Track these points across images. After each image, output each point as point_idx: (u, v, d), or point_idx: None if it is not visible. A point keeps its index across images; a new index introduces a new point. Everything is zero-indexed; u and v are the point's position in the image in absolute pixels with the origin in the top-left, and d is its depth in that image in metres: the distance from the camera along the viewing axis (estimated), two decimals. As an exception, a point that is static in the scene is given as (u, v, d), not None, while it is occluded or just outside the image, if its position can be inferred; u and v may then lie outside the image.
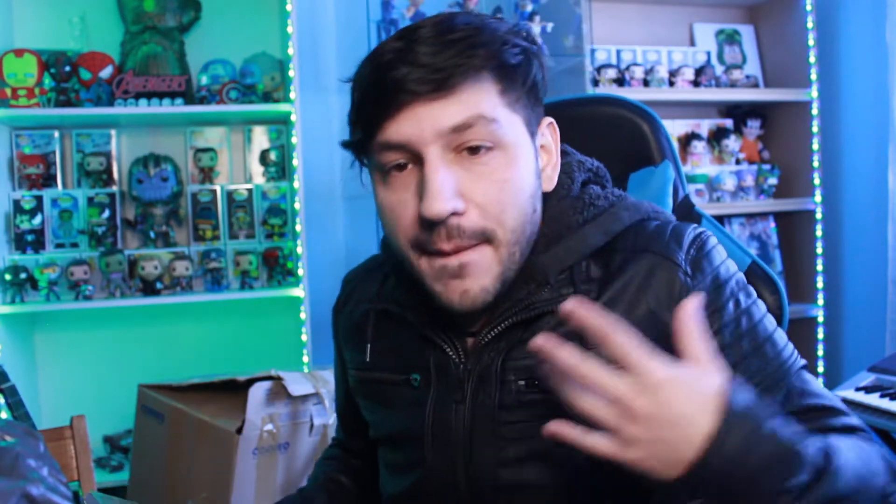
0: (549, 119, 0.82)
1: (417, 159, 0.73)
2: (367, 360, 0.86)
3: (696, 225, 0.80)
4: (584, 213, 0.80)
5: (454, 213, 0.71)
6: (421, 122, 0.71)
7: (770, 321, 0.79)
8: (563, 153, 0.85)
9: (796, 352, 0.79)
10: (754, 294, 0.80)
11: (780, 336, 0.78)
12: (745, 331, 0.76)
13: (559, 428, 0.63)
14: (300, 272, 2.28)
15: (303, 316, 2.29)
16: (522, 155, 0.75)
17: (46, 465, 1.02)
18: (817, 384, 0.78)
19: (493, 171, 0.73)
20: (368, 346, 0.86)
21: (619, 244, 0.79)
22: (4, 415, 1.89)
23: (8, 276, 2.16)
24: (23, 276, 2.17)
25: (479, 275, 0.73)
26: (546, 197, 0.81)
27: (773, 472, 0.60)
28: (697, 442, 0.59)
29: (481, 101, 0.72)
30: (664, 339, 0.74)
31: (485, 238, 0.72)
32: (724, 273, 0.78)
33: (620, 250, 0.79)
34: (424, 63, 0.69)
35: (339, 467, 1.02)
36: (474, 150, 0.72)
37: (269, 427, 2.11)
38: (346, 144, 0.80)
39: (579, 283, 0.77)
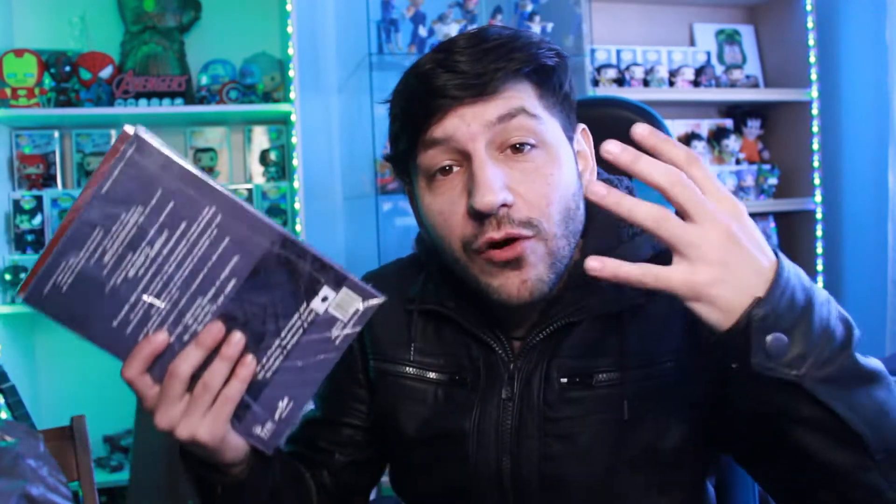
0: (583, 125, 0.84)
1: (464, 158, 0.75)
2: (411, 358, 0.86)
3: None
4: (633, 226, 0.81)
5: (504, 205, 0.73)
6: (465, 118, 0.74)
7: None
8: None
9: None
10: None
11: None
12: None
13: (601, 262, 0.59)
14: (300, 272, 2.27)
15: (303, 316, 2.28)
16: (563, 155, 0.77)
17: (46, 465, 1.02)
18: None
19: (537, 168, 0.75)
20: (412, 345, 0.86)
21: (660, 260, 0.80)
22: (4, 415, 1.89)
23: (8, 276, 2.16)
24: (23, 276, 2.17)
25: (534, 264, 0.75)
26: (592, 208, 0.82)
27: (825, 312, 0.60)
28: (764, 273, 0.59)
29: (522, 99, 0.75)
30: (699, 338, 0.76)
31: (533, 231, 0.74)
32: None
33: (662, 263, 0.80)
34: (464, 70, 0.73)
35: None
36: (518, 149, 0.75)
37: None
38: (389, 158, 0.83)
39: (627, 290, 0.78)
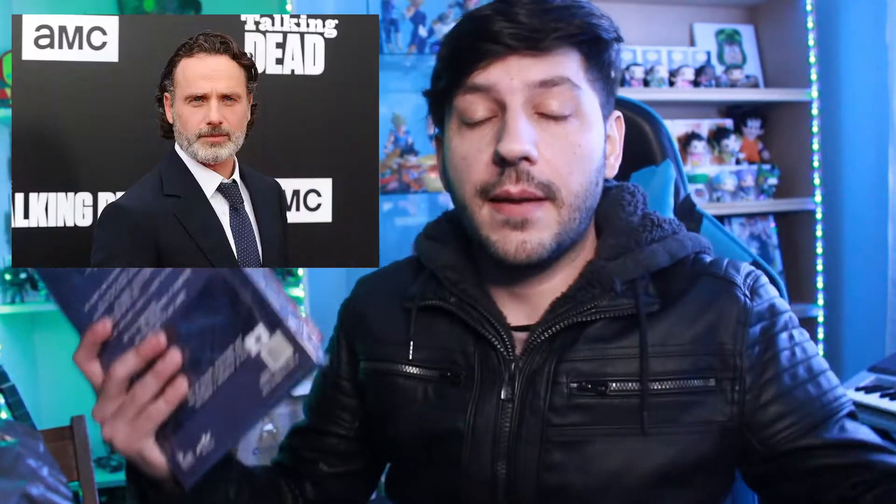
0: (618, 113, 0.84)
1: (500, 109, 0.75)
2: (410, 357, 0.84)
3: (746, 263, 0.83)
4: (653, 232, 0.82)
5: (527, 159, 0.73)
6: (510, 71, 0.74)
7: (823, 361, 0.80)
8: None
9: (847, 396, 0.79)
10: (807, 334, 0.82)
11: (834, 376, 0.80)
12: (800, 360, 0.78)
13: None
14: (300, 272, 2.27)
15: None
16: (595, 127, 0.78)
17: (46, 465, 1.02)
18: (867, 429, 0.78)
19: (567, 135, 0.75)
20: (411, 343, 0.84)
21: (677, 270, 0.81)
22: (4, 415, 1.89)
23: (8, 276, 2.16)
24: (23, 276, 2.17)
25: (539, 229, 0.75)
26: (613, 213, 0.83)
27: None
28: None
29: (569, 67, 0.75)
30: (721, 358, 0.76)
31: (549, 194, 0.74)
32: (780, 305, 0.81)
33: (678, 276, 0.80)
34: (523, 22, 0.73)
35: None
36: (554, 118, 0.75)
37: (269, 427, 2.10)
38: (428, 92, 0.83)
39: (640, 295, 0.77)
